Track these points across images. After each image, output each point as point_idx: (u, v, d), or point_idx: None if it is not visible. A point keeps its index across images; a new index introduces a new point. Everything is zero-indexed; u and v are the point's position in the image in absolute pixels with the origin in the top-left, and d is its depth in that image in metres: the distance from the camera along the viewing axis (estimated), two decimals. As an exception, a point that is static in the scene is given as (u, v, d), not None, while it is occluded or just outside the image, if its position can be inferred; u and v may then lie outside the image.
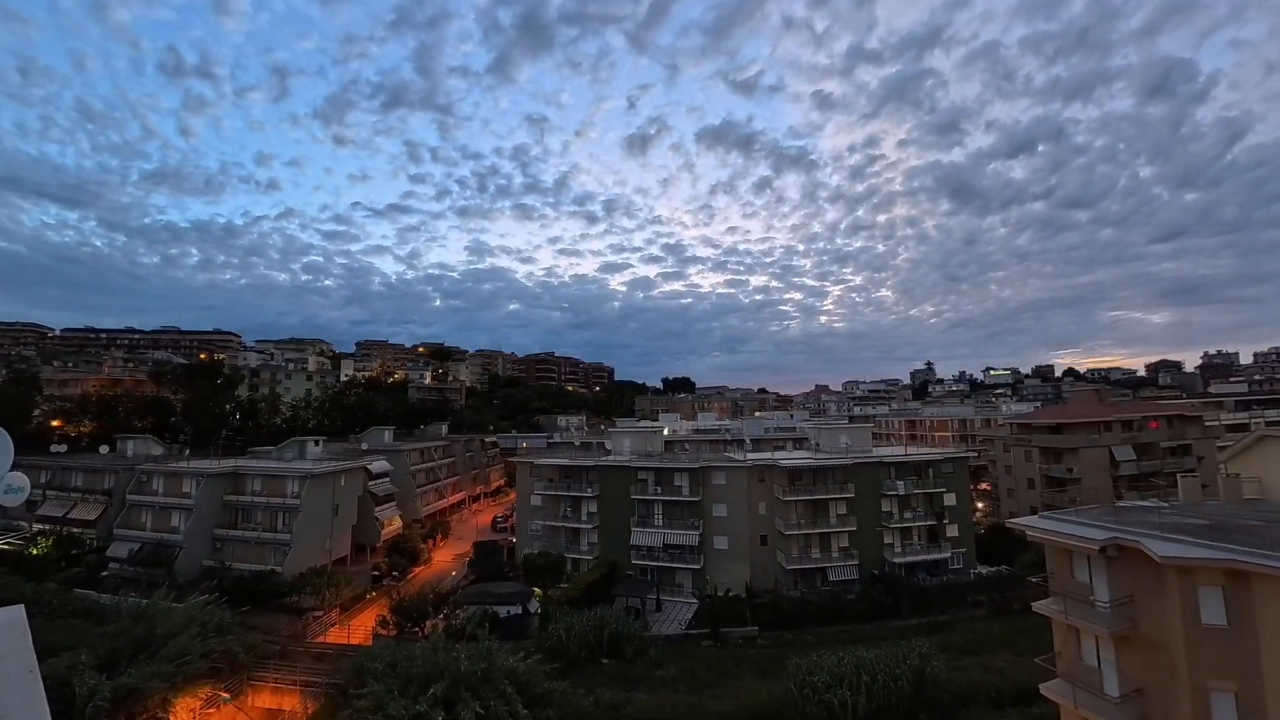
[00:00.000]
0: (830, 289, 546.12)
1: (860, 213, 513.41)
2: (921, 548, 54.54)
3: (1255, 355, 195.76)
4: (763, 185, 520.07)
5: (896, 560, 53.23)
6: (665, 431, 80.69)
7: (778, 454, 64.22)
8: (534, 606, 46.00)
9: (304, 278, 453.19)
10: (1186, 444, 67.63)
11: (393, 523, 69.84)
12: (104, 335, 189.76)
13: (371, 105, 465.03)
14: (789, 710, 29.94)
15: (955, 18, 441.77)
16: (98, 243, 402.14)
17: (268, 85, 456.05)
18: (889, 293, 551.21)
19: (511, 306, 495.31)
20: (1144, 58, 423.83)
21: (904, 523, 54.74)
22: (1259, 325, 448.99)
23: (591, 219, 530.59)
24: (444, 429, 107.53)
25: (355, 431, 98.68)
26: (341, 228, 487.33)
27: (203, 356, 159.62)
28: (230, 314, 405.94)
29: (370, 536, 66.94)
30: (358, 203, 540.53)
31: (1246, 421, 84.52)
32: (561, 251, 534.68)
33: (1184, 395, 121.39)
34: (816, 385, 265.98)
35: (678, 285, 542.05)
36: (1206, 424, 73.57)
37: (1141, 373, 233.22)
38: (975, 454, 76.95)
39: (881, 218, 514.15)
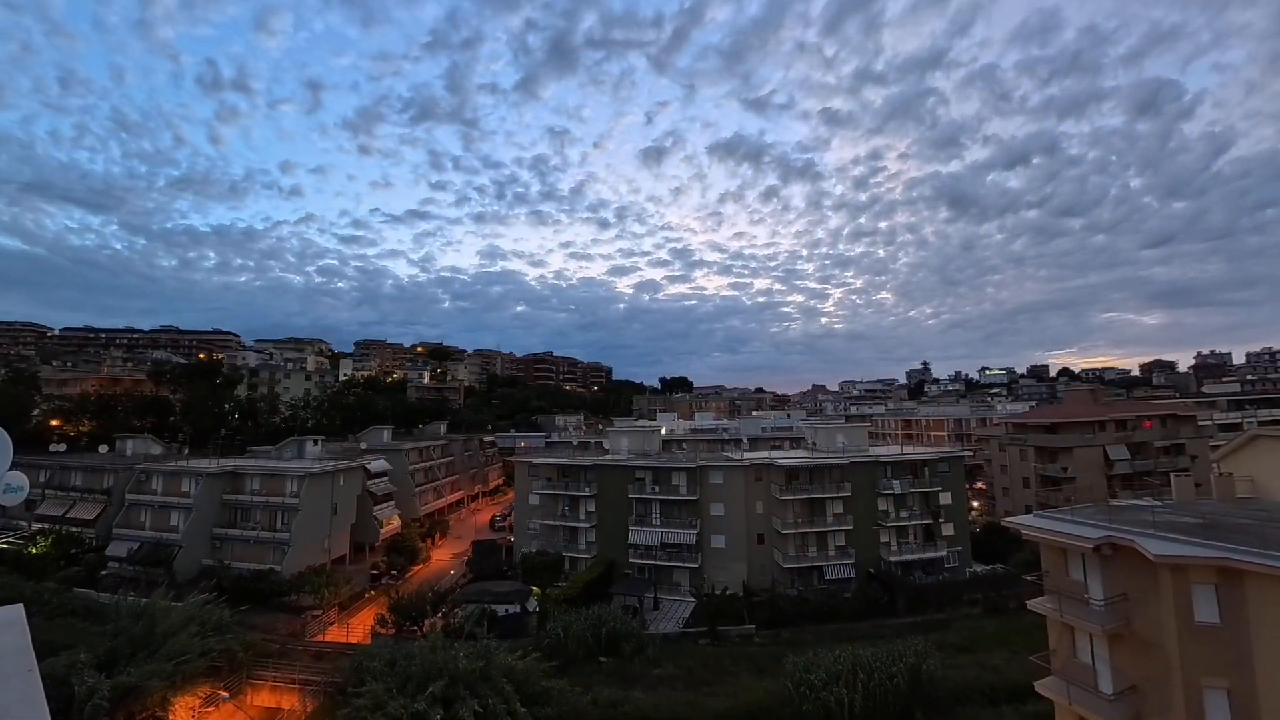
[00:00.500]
0: (831, 291, 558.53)
1: (862, 220, 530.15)
2: (917, 546, 54.71)
3: (1248, 355, 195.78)
4: (770, 194, 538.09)
5: (893, 559, 53.39)
6: (663, 431, 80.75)
7: (775, 453, 64.30)
8: (532, 605, 46.11)
9: (318, 280, 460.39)
10: (1180, 443, 67.88)
11: (391, 522, 69.89)
12: (103, 335, 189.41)
13: (400, 119, 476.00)
14: (786, 708, 30.09)
15: (955, 44, 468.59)
16: (117, 246, 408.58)
17: (301, 98, 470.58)
18: (888, 295, 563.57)
19: (519, 308, 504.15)
20: (1133, 79, 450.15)
21: (900, 521, 54.89)
22: (1251, 327, 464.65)
23: (604, 224, 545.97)
24: (442, 428, 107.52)
25: (354, 431, 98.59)
26: (359, 232, 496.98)
27: (202, 356, 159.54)
28: (239, 314, 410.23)
29: (369, 535, 66.98)
30: (376, 209, 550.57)
31: (1239, 421, 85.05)
32: (572, 255, 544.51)
33: (1178, 395, 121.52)
34: (813, 385, 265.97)
35: (683, 288, 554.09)
36: (1200, 423, 73.96)
37: (1135, 373, 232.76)
38: (971, 453, 77.05)
39: (883, 224, 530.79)
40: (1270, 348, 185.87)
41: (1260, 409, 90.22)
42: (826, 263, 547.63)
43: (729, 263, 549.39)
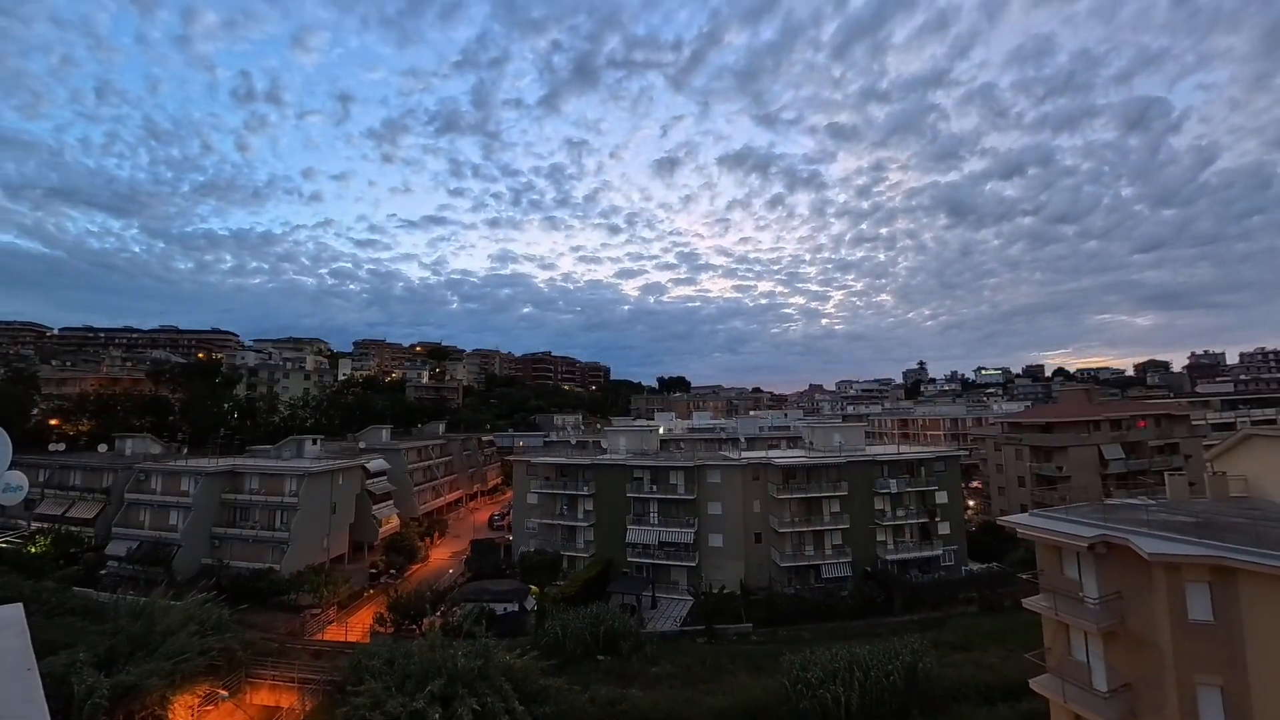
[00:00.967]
0: (833, 294, 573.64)
1: (864, 226, 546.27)
2: (914, 545, 54.87)
3: (1241, 356, 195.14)
4: (776, 202, 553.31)
5: (889, 557, 53.56)
6: (661, 430, 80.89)
7: (772, 452, 64.41)
8: (530, 604, 46.18)
9: (330, 282, 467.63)
10: (1174, 443, 68.12)
11: (390, 521, 69.92)
12: (102, 334, 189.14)
13: (425, 130, 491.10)
14: (783, 705, 30.19)
15: (956, 65, 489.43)
16: (136, 249, 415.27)
17: (330, 110, 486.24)
18: (888, 297, 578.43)
19: (525, 309, 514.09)
20: (1123, 97, 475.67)
21: (896, 520, 55.05)
22: (1243, 328, 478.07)
23: (615, 230, 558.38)
24: (441, 428, 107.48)
25: (353, 430, 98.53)
26: (375, 237, 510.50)
27: (200, 356, 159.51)
28: (249, 315, 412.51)
29: (368, 534, 67.01)
30: (394, 214, 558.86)
31: (1233, 420, 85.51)
32: (582, 259, 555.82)
33: (1172, 395, 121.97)
34: (811, 385, 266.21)
35: (688, 290, 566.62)
36: (1194, 423, 74.27)
37: (1130, 373, 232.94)
38: (967, 453, 77.15)
39: (883, 231, 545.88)
40: (1264, 348, 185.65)
41: (1253, 409, 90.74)
42: (828, 266, 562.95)
43: (734, 266, 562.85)
